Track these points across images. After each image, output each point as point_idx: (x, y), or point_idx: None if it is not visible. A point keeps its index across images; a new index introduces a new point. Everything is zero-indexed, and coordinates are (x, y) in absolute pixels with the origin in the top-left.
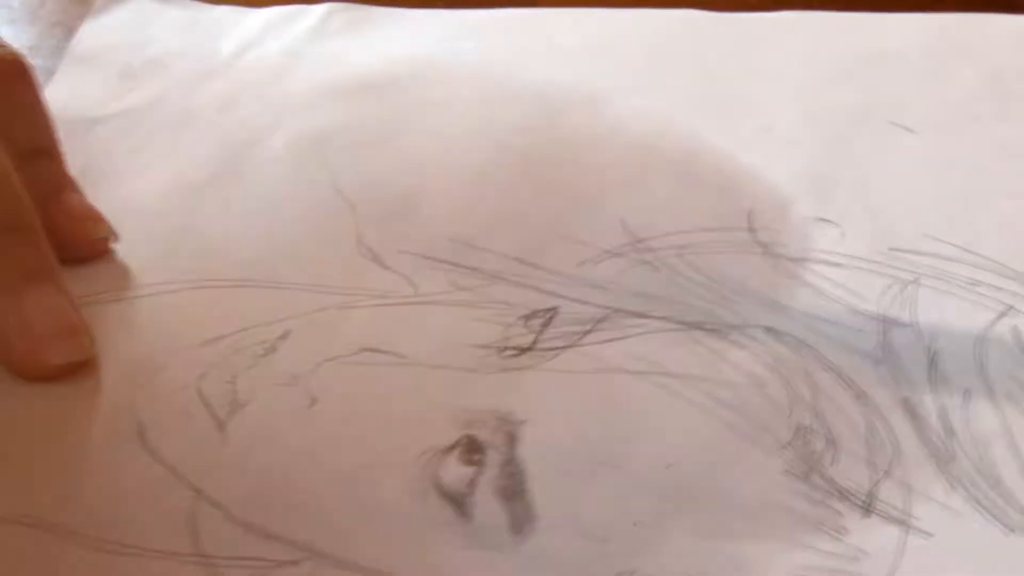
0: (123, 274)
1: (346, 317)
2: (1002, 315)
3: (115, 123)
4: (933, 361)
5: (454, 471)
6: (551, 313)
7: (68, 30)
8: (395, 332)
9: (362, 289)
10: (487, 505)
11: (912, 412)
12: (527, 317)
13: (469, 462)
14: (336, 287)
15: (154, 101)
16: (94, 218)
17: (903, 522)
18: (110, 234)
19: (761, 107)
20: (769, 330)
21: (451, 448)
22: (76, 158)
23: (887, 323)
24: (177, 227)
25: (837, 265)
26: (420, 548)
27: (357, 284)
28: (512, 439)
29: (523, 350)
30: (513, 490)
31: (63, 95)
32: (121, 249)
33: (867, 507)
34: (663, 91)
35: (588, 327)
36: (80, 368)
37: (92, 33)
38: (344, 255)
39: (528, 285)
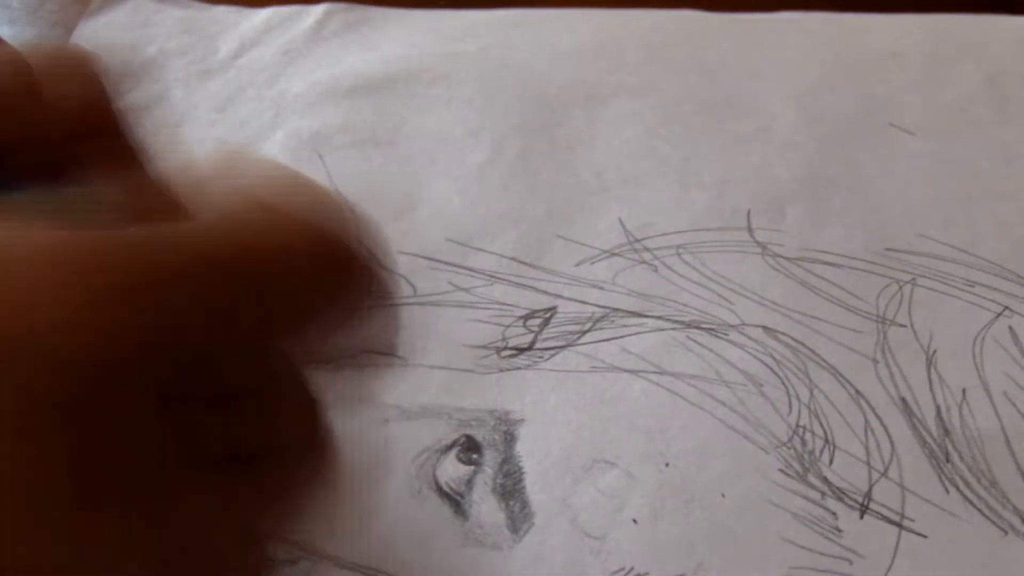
0: None
1: None
2: (998, 315)
3: None
4: (930, 361)
5: (452, 470)
6: (549, 313)
7: (68, 30)
8: None
9: None
10: (485, 504)
11: (909, 412)
12: (525, 317)
13: (467, 461)
14: None
15: (152, 101)
16: None
17: (898, 523)
18: None
19: (759, 107)
20: (767, 330)
21: (449, 448)
22: None
23: (884, 323)
24: None
25: (835, 265)
26: (418, 546)
27: None
28: (510, 438)
29: (521, 350)
30: (510, 489)
31: None
32: None
33: (863, 507)
34: (661, 91)
35: (586, 326)
36: None
37: (90, 33)
38: None
39: (526, 285)
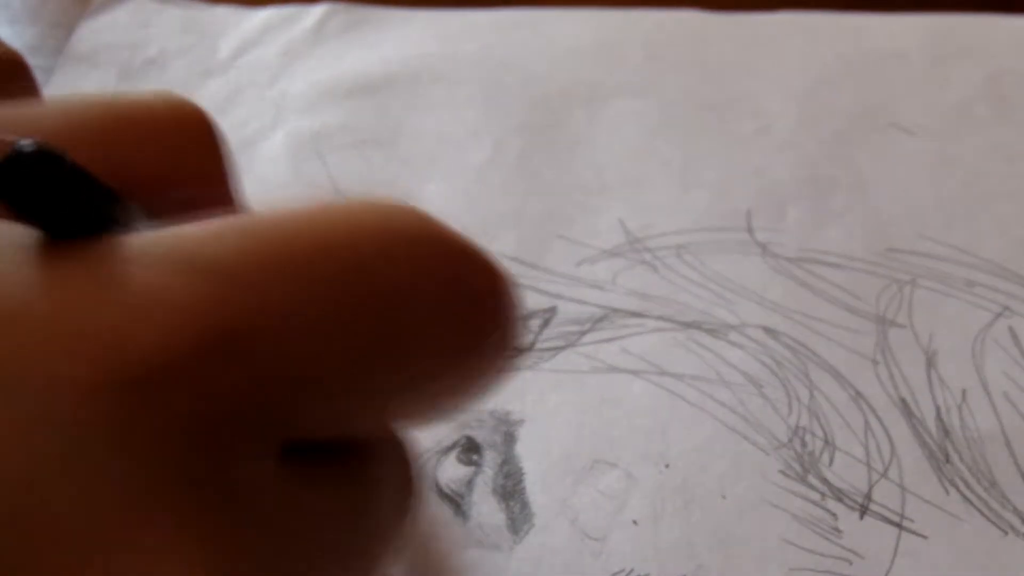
0: None
1: None
2: (998, 316)
3: None
4: (930, 362)
5: (452, 471)
6: (549, 313)
7: (69, 30)
8: None
9: None
10: (485, 505)
11: (909, 413)
12: (525, 318)
13: (467, 462)
14: None
15: None
16: None
17: (898, 524)
18: None
19: (759, 107)
20: (767, 330)
21: (449, 449)
22: None
23: (884, 324)
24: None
25: (835, 266)
26: (419, 548)
27: None
28: (510, 439)
29: (521, 350)
30: (511, 489)
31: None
32: None
33: (863, 508)
34: (661, 91)
35: (586, 327)
36: None
37: (90, 33)
38: None
39: (527, 285)
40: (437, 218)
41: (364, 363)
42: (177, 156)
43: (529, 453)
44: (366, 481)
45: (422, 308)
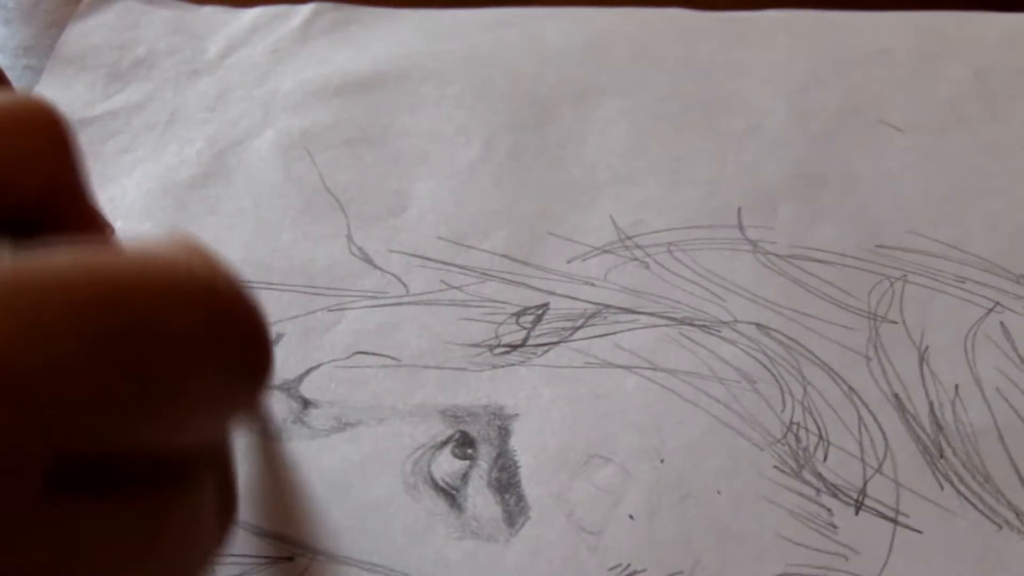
0: None
1: (338, 319)
2: (990, 311)
3: (103, 124)
4: (922, 357)
5: (447, 465)
6: (542, 310)
7: (63, 30)
8: (387, 333)
9: (354, 290)
10: (480, 497)
11: (902, 408)
12: (518, 314)
13: (462, 456)
14: (328, 288)
15: (142, 102)
16: None
17: (893, 519)
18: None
19: (749, 105)
20: (759, 327)
21: (444, 444)
22: None
23: (876, 320)
24: (165, 227)
25: (826, 262)
26: (415, 541)
27: (349, 285)
28: (504, 433)
29: (514, 347)
30: (505, 483)
31: (51, 97)
32: None
33: (858, 504)
34: (651, 89)
35: (578, 323)
36: None
37: (79, 35)
38: (335, 255)
39: (518, 282)
40: (217, 264)
41: (117, 398)
42: (18, 154)
43: (524, 447)
44: (164, 503)
45: (181, 348)
